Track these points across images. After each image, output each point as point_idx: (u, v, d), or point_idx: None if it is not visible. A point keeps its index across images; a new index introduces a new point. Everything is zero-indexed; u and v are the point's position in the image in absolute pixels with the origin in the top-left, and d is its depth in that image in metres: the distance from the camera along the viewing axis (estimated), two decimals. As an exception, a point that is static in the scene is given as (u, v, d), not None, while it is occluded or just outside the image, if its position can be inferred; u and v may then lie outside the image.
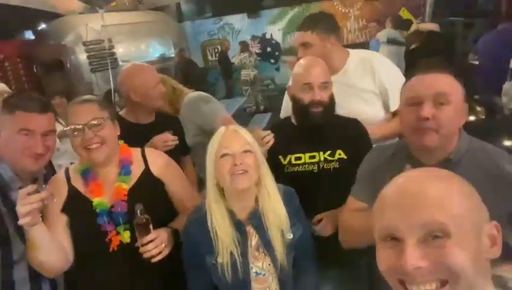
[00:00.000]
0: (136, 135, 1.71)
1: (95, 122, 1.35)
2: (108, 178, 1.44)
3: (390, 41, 5.45)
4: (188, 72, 7.55)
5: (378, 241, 0.69)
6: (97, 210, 1.38)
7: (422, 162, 1.15)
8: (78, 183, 1.44)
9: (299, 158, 1.63)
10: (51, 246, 1.28)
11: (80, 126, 1.34)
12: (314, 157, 1.61)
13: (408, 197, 0.66)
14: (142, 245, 1.31)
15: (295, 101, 1.62)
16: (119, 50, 7.31)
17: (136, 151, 1.53)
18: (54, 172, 1.66)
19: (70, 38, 6.87)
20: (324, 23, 1.91)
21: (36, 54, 6.63)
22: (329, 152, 1.61)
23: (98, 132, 1.36)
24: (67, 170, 1.48)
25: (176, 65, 8.02)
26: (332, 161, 1.61)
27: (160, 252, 1.32)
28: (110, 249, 1.37)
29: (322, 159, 1.61)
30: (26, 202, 1.14)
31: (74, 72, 6.91)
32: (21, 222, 1.15)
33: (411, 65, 4.74)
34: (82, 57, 6.86)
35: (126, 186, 1.42)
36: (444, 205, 0.63)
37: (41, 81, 6.55)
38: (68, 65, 6.81)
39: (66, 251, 1.35)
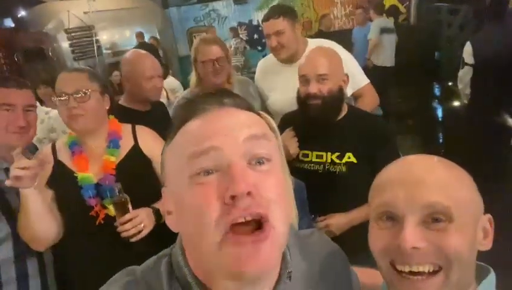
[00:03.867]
0: (136, 121, 1.68)
1: (81, 92, 1.35)
2: (96, 152, 1.43)
3: (384, 31, 5.42)
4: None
5: (374, 221, 0.67)
6: (82, 185, 1.37)
7: None
8: (65, 157, 1.43)
9: (307, 155, 1.55)
10: (45, 215, 1.29)
11: (65, 95, 1.35)
12: (321, 157, 1.52)
13: (414, 176, 0.64)
14: (121, 224, 1.31)
15: (297, 93, 1.55)
16: (103, 37, 7.15)
17: (126, 127, 1.51)
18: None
19: (52, 25, 6.68)
20: (289, 12, 1.96)
21: (17, 43, 6.44)
22: (337, 154, 1.50)
23: (82, 103, 1.36)
24: (53, 144, 1.48)
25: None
26: (340, 164, 1.49)
27: (139, 232, 1.32)
28: (97, 223, 1.37)
29: (329, 160, 1.51)
30: (20, 164, 1.18)
31: (57, 60, 6.74)
32: (18, 172, 1.18)
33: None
34: (64, 45, 6.69)
35: (114, 159, 1.41)
36: (451, 189, 0.62)
37: (23, 70, 6.38)
38: (50, 53, 6.64)
39: (58, 223, 1.36)
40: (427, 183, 0.62)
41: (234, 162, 0.52)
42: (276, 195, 0.54)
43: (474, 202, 0.65)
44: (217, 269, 0.54)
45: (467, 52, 3.02)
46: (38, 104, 2.81)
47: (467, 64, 3.03)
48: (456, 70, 3.24)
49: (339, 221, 1.48)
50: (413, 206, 0.61)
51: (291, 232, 0.66)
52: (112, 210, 1.36)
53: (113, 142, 1.44)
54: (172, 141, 0.59)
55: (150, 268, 0.63)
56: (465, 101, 3.24)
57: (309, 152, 1.55)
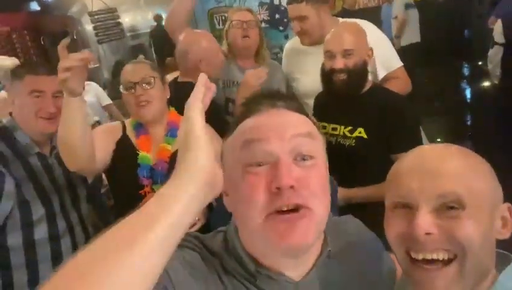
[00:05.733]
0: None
1: (146, 80, 1.44)
2: (156, 137, 1.50)
3: (409, 6, 5.24)
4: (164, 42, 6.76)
5: (389, 210, 0.68)
6: (140, 163, 1.45)
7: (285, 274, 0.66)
8: (131, 134, 1.52)
9: (324, 127, 1.62)
10: (83, 128, 1.24)
11: (132, 83, 1.43)
12: (335, 129, 1.58)
13: (428, 167, 0.65)
14: None
15: (322, 68, 1.59)
16: (126, 20, 7.19)
17: None
18: None
19: (76, 8, 6.77)
20: None
21: (43, 26, 6.57)
22: (350, 128, 1.54)
23: (147, 90, 1.44)
24: (123, 122, 1.58)
25: (151, 34, 7.21)
26: (350, 137, 1.54)
27: (194, 225, 1.33)
28: (141, 204, 1.40)
29: (341, 133, 1.56)
30: (67, 57, 1.13)
31: (81, 43, 6.85)
32: (60, 76, 1.11)
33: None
34: (88, 27, 6.77)
35: (170, 149, 1.47)
36: (464, 177, 0.63)
37: (49, 53, 6.52)
38: (75, 36, 6.75)
39: (94, 151, 1.33)
40: (440, 173, 0.63)
41: (281, 157, 0.61)
42: (316, 188, 0.62)
43: (490, 191, 0.64)
44: (262, 244, 0.63)
45: (497, 30, 2.90)
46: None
47: (496, 43, 2.92)
48: (487, 49, 3.11)
49: (339, 194, 1.49)
50: (426, 196, 0.62)
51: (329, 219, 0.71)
52: None
53: (172, 132, 1.51)
54: (231, 135, 0.70)
55: (209, 237, 0.73)
56: (495, 82, 3.13)
57: (326, 124, 1.62)
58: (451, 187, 0.61)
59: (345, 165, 1.48)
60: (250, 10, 2.17)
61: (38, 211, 1.41)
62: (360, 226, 0.86)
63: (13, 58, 2.79)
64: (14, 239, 1.38)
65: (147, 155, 1.46)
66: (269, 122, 0.65)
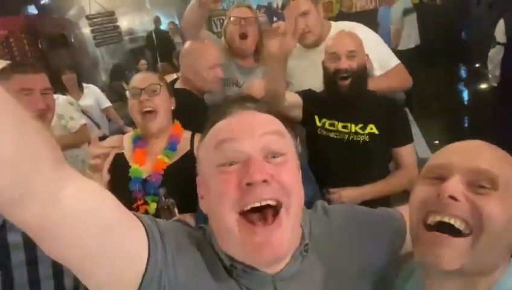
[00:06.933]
0: (190, 103, 1.72)
1: (152, 87, 1.46)
2: (154, 149, 1.50)
3: (407, 12, 5.19)
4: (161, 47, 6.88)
5: (421, 178, 0.69)
6: (131, 176, 1.44)
7: (264, 274, 0.67)
8: (127, 149, 1.52)
9: (333, 124, 1.68)
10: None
11: (138, 89, 1.45)
12: (346, 127, 1.65)
13: (467, 148, 0.67)
14: None
15: (324, 70, 1.65)
16: (123, 23, 7.20)
17: (186, 133, 1.58)
18: None
19: (73, 12, 6.76)
20: None
21: (40, 29, 6.55)
22: (361, 125, 1.62)
23: (153, 97, 1.45)
24: (121, 136, 1.58)
25: (148, 37, 7.39)
26: (363, 134, 1.63)
27: None
28: None
29: (353, 130, 1.64)
30: (98, 145, 1.28)
31: (79, 46, 6.84)
32: (92, 162, 1.27)
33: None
34: (86, 31, 6.77)
35: (167, 161, 1.47)
36: (501, 164, 0.64)
37: (47, 56, 6.50)
38: (72, 40, 6.74)
39: None
40: (478, 156, 0.64)
41: (252, 155, 0.63)
42: (290, 182, 0.65)
43: None
44: (239, 253, 0.65)
45: (500, 30, 2.90)
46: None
47: (498, 43, 2.92)
48: (484, 51, 3.12)
49: (352, 194, 1.57)
50: (462, 169, 0.63)
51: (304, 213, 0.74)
52: (151, 208, 1.40)
53: (171, 145, 1.50)
54: (204, 138, 0.72)
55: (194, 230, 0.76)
56: (494, 84, 3.13)
57: (335, 122, 1.67)
58: (487, 166, 0.63)
59: (359, 160, 1.60)
60: (250, 7, 2.14)
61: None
62: (327, 208, 0.82)
63: (8, 62, 2.76)
64: (14, 237, 1.35)
65: (138, 168, 1.45)
66: (239, 123, 0.68)
